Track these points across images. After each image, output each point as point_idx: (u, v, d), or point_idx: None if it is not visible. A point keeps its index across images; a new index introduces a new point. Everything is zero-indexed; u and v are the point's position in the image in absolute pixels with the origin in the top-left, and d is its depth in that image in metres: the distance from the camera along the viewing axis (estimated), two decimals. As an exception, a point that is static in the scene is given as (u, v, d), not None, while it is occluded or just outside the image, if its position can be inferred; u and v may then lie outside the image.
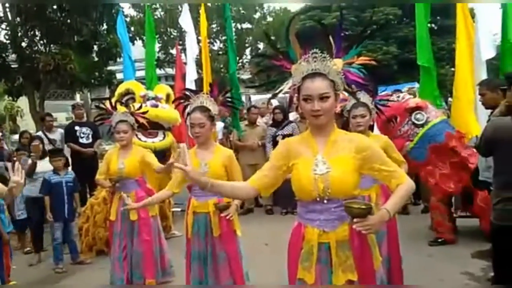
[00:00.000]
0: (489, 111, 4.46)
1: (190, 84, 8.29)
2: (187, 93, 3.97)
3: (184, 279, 4.47)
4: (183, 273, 4.44)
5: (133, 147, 4.78)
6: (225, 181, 2.56)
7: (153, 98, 6.41)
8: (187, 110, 3.74)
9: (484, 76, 5.70)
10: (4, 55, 12.21)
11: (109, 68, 13.80)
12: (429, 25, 13.37)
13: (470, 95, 5.87)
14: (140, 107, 5.15)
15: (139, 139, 6.10)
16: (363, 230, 2.08)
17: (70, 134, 7.85)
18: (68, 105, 16.95)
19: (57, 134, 8.09)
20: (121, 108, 4.94)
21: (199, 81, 9.13)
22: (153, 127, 6.22)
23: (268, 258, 4.76)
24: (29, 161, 6.05)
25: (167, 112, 6.54)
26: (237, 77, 10.70)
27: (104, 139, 8.99)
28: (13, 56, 12.58)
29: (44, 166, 5.97)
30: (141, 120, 4.94)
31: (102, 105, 4.95)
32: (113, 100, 5.09)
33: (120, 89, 6.60)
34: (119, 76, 13.27)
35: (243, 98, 12.98)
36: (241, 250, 3.70)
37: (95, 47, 12.73)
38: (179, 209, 7.54)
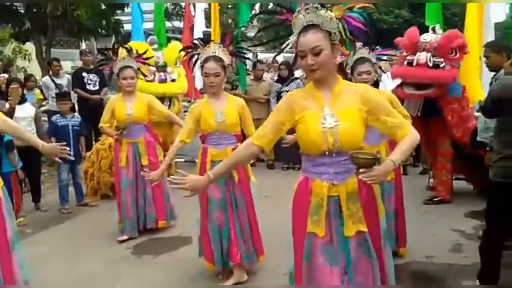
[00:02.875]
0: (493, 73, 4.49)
1: (198, 35, 8.26)
2: (196, 42, 3.93)
3: (184, 223, 4.66)
4: (183, 219, 4.66)
5: (137, 93, 4.81)
6: (223, 162, 2.49)
7: (162, 70, 6.36)
8: (199, 60, 3.70)
9: (491, 39, 5.69)
10: (11, -2, 12.11)
11: (116, 17, 13.64)
12: (443, -12, 13.15)
13: (476, 60, 5.86)
14: (144, 53, 5.07)
15: None
16: (369, 180, 2.09)
17: (77, 80, 7.94)
18: (74, 53, 16.85)
19: (64, 80, 8.17)
20: (123, 52, 4.89)
21: (207, 35, 9.08)
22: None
23: (268, 210, 4.88)
24: (6, 105, 5.20)
25: (174, 88, 6.58)
26: (244, 34, 10.61)
27: (109, 87, 9.04)
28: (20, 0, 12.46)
29: (23, 111, 5.54)
30: (143, 66, 4.92)
31: (105, 52, 4.96)
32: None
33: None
34: (126, 26, 13.15)
35: (250, 55, 12.85)
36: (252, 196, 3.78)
37: (103, -5, 12.59)
38: (182, 160, 7.69)
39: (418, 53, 5.36)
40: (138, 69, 4.83)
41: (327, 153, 2.21)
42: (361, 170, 2.10)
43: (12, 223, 3.20)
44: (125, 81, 4.64)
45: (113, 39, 15.71)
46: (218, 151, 3.65)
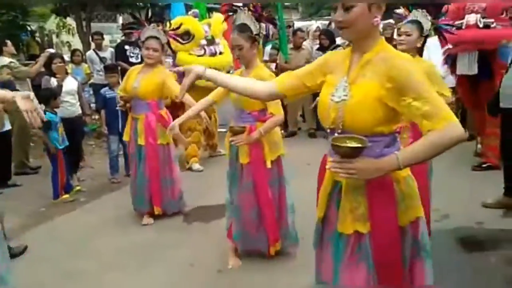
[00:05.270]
0: None
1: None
2: (236, 5, 3.64)
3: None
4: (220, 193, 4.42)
5: (157, 68, 4.40)
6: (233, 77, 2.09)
7: (211, 43, 6.38)
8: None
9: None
10: (51, -26, 12.33)
11: (153, -11, 13.71)
12: None
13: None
14: (178, 27, 4.91)
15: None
16: (342, 173, 1.72)
17: (120, 53, 8.05)
18: (112, 27, 17.07)
19: (108, 53, 8.33)
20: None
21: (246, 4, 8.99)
22: None
23: (310, 177, 4.92)
24: (53, 81, 5.75)
25: (222, 61, 6.51)
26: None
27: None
28: (60, -24, 12.64)
29: (67, 85, 5.81)
30: (173, 41, 4.60)
31: (137, 16, 4.60)
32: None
33: (175, 25, 5.57)
34: (163, -2, 13.18)
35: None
36: (274, 181, 3.45)
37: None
38: (224, 130, 7.78)
39: (467, 15, 5.27)
40: (167, 43, 4.49)
41: (329, 130, 1.88)
42: (331, 158, 1.74)
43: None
44: (147, 51, 4.24)
45: (150, 10, 15.85)
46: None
